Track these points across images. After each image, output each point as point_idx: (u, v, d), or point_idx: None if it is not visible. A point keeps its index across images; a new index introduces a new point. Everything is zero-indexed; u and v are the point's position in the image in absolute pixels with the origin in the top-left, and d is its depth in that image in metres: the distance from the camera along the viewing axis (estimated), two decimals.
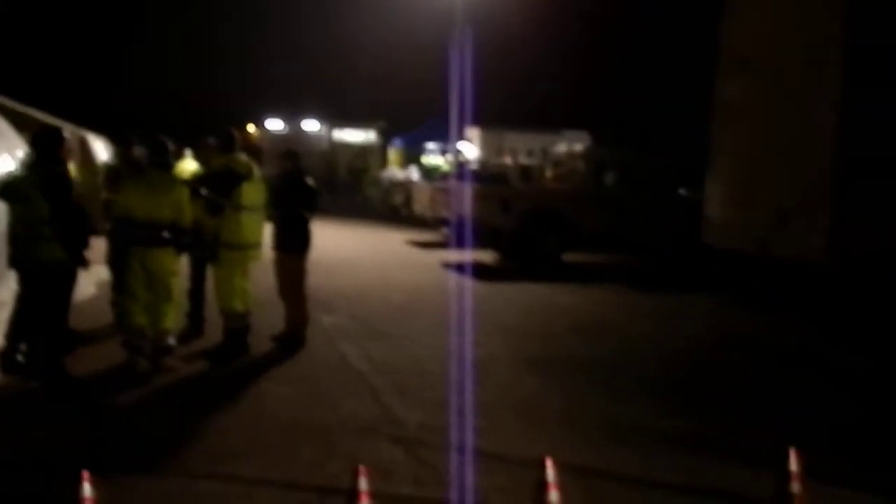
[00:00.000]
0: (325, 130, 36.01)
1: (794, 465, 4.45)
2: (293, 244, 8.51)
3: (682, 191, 15.54)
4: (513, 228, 14.85)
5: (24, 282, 7.06)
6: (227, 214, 7.89)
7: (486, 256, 16.21)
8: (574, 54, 39.57)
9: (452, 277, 13.64)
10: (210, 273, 8.38)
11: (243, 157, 8.26)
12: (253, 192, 8.09)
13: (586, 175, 15.81)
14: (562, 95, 39.98)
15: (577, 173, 16.17)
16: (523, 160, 25.82)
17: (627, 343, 9.46)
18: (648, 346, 9.34)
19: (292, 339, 8.52)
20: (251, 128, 34.98)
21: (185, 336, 8.47)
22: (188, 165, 9.60)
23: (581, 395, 7.21)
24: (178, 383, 7.15)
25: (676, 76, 32.49)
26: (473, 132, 31.15)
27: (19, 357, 7.14)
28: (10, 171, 7.30)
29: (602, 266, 16.32)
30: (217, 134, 8.46)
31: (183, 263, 7.95)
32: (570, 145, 18.98)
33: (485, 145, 31.46)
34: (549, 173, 18.80)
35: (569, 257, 15.36)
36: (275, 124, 34.87)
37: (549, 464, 4.10)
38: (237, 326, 8.09)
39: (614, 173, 15.73)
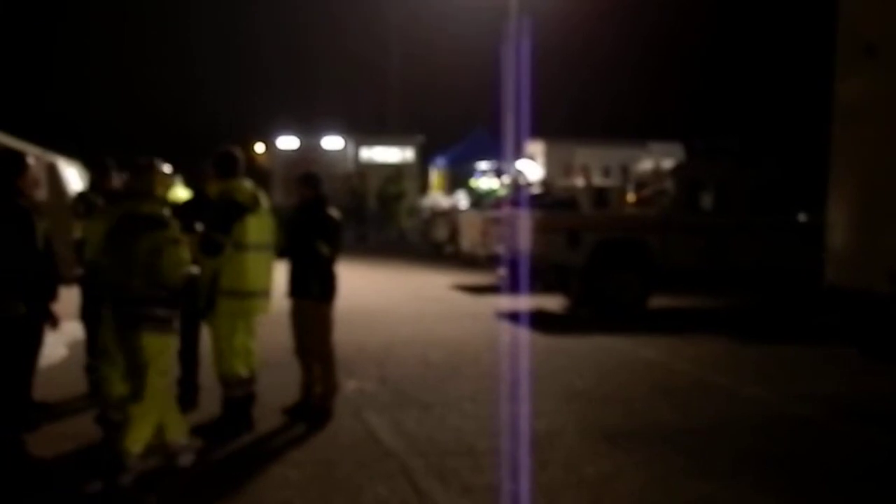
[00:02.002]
0: (350, 148, 36.33)
1: None
2: (315, 290, 8.57)
3: (799, 215, 15.45)
4: (583, 267, 14.84)
5: None
6: (226, 255, 7.96)
7: (551, 302, 16.19)
8: (660, 48, 39.51)
9: (507, 329, 13.65)
10: (206, 329, 8.48)
11: (247, 183, 8.34)
12: (259, 227, 8.15)
13: (677, 198, 15.79)
14: (646, 99, 39.93)
15: (665, 196, 16.14)
16: (598, 180, 25.85)
17: (729, 409, 9.38)
18: (754, 413, 9.25)
19: (312, 410, 8.57)
20: (258, 147, 35.37)
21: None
22: (179, 194, 9.75)
23: (667, 476, 7.16)
24: (163, 467, 7.21)
25: (787, 72, 32.35)
26: (536, 147, 31.28)
27: None
28: None
29: (696, 312, 16.21)
30: (214, 155, 8.56)
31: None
32: (657, 161, 18.98)
33: (550, 163, 31.54)
34: (630, 196, 18.78)
35: (654, 301, 15.29)
36: (287, 142, 35.18)
37: None
38: (239, 395, 8.15)
39: (712, 195, 15.69)
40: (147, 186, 6.97)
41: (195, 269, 7.36)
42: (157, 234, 6.72)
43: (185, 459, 7.13)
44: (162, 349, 6.78)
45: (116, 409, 7.44)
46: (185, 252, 6.92)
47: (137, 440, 6.62)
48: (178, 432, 7.05)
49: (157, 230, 6.74)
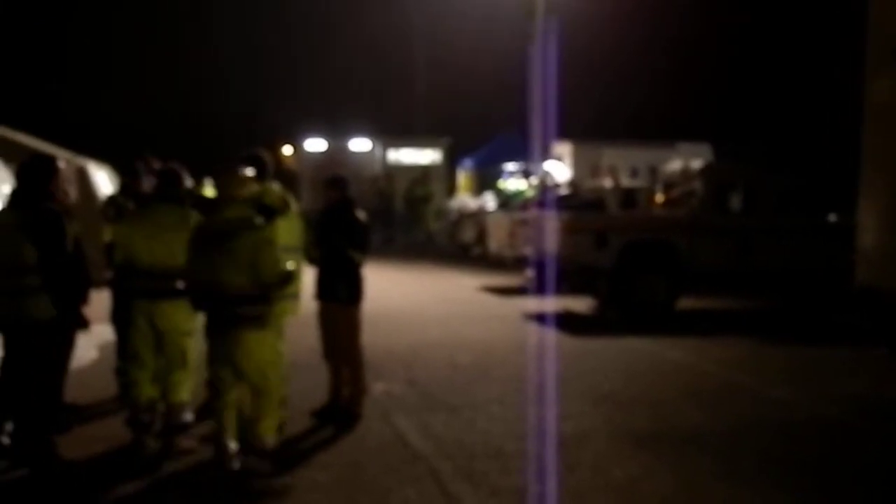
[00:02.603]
0: (377, 150, 36.36)
1: None
2: (342, 292, 8.61)
3: (829, 216, 15.37)
4: (611, 268, 14.81)
5: (9, 346, 7.29)
6: None
7: (578, 304, 16.17)
8: (689, 48, 39.35)
9: (535, 331, 13.65)
10: None
11: (276, 186, 8.38)
12: (288, 230, 8.15)
13: (706, 198, 15.72)
14: (674, 100, 39.77)
15: (694, 197, 16.09)
16: (625, 181, 25.79)
17: (756, 411, 9.35)
18: (783, 416, 9.22)
19: (340, 412, 8.60)
20: (286, 149, 35.42)
21: (204, 410, 8.62)
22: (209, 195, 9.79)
23: (695, 479, 7.15)
24: (194, 469, 7.27)
25: (817, 73, 32.17)
26: (563, 148, 31.23)
27: (3, 438, 7.34)
28: None
29: (725, 314, 16.16)
30: (243, 158, 8.60)
31: (199, 320, 8.09)
32: (685, 161, 18.93)
33: (577, 164, 31.46)
34: (658, 197, 18.72)
35: (683, 303, 15.26)
36: (315, 144, 35.22)
37: None
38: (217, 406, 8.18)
39: (742, 196, 15.63)
40: (233, 190, 7.11)
41: (291, 265, 7.47)
42: (255, 235, 6.92)
43: (187, 416, 7.74)
44: (262, 343, 6.96)
45: (146, 411, 7.53)
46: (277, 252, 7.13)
47: (271, 427, 7.02)
48: (186, 393, 7.69)
49: (254, 231, 6.93)
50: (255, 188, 7.37)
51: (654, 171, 24.93)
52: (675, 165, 19.03)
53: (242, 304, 6.86)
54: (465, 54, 42.21)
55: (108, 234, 8.96)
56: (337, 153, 34.56)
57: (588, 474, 7.20)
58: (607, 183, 25.38)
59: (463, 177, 37.50)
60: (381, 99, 47.73)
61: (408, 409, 9.04)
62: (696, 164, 17.78)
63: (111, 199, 9.81)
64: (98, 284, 7.88)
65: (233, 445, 6.96)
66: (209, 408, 7.44)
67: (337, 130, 35.96)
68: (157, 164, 9.13)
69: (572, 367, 10.98)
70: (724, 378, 10.89)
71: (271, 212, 8.01)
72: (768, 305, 16.53)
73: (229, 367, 6.97)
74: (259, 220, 7.09)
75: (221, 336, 6.95)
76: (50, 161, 7.56)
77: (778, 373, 11.12)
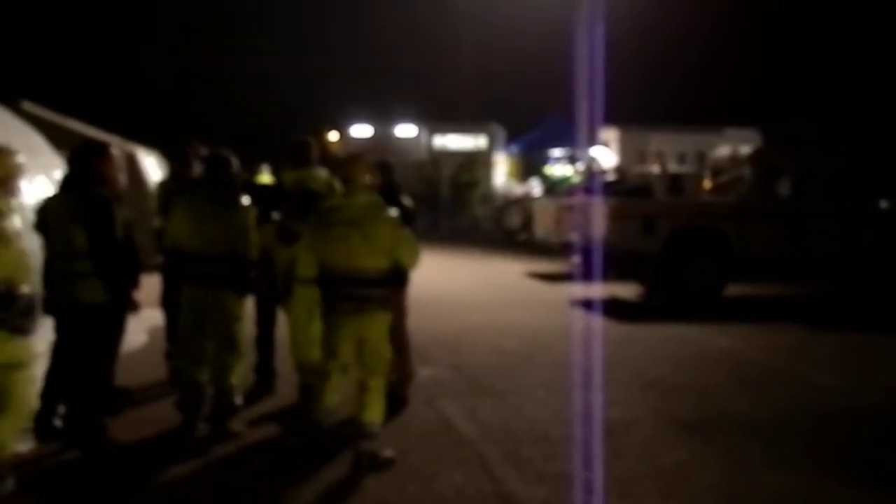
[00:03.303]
0: (423, 136, 36.39)
1: None
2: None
3: (881, 202, 15.21)
4: (658, 254, 14.76)
5: (61, 329, 7.40)
6: (302, 243, 8.06)
7: (625, 290, 16.13)
8: (736, 30, 38.99)
9: (581, 317, 13.64)
10: (282, 316, 8.59)
11: (322, 171, 8.42)
12: None
13: (754, 184, 15.61)
14: (723, 84, 39.45)
15: (743, 182, 15.99)
16: (673, 167, 25.67)
17: (805, 399, 9.28)
18: (832, 403, 9.14)
19: (387, 397, 8.62)
20: (331, 135, 35.54)
21: (253, 394, 8.71)
22: (265, 182, 9.86)
23: (744, 466, 7.12)
24: (243, 452, 7.34)
25: (868, 55, 31.75)
26: (610, 134, 31.13)
27: (56, 421, 7.46)
28: (45, 197, 7.67)
29: (774, 300, 16.05)
30: (288, 144, 8.66)
31: (248, 305, 8.17)
32: (734, 147, 18.80)
33: (624, 150, 31.36)
34: (706, 183, 18.64)
35: (731, 290, 15.17)
36: (361, 130, 35.32)
37: None
38: (315, 382, 8.25)
39: (791, 181, 15.50)
40: (359, 177, 7.17)
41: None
42: (391, 220, 7.07)
43: (236, 400, 7.82)
44: (385, 324, 7.19)
45: (195, 394, 7.61)
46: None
47: (380, 411, 7.15)
48: (235, 376, 7.72)
49: (388, 216, 7.07)
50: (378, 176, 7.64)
51: (701, 157, 24.85)
52: (723, 151, 18.93)
53: (374, 287, 7.01)
54: (511, 39, 42.12)
55: (157, 221, 9.07)
56: (383, 139, 34.63)
57: (635, 461, 7.18)
58: (654, 169, 25.30)
59: (509, 162, 37.45)
60: (426, 84, 47.78)
61: (454, 394, 9.06)
62: (745, 149, 17.66)
63: (162, 184, 9.92)
64: (149, 269, 7.97)
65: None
66: (307, 387, 7.68)
67: (383, 116, 36.03)
68: (203, 151, 9.22)
69: (618, 353, 10.96)
70: (772, 365, 10.82)
71: (316, 196, 8.08)
72: (818, 292, 16.39)
73: (353, 348, 7.12)
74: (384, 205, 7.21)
75: (350, 317, 7.05)
76: (101, 147, 7.65)
77: (827, 360, 11.03)
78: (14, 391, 5.99)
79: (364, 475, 6.76)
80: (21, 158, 6.36)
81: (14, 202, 6.19)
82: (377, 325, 7.10)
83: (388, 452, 7.07)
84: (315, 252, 7.15)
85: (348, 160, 7.41)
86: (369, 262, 6.96)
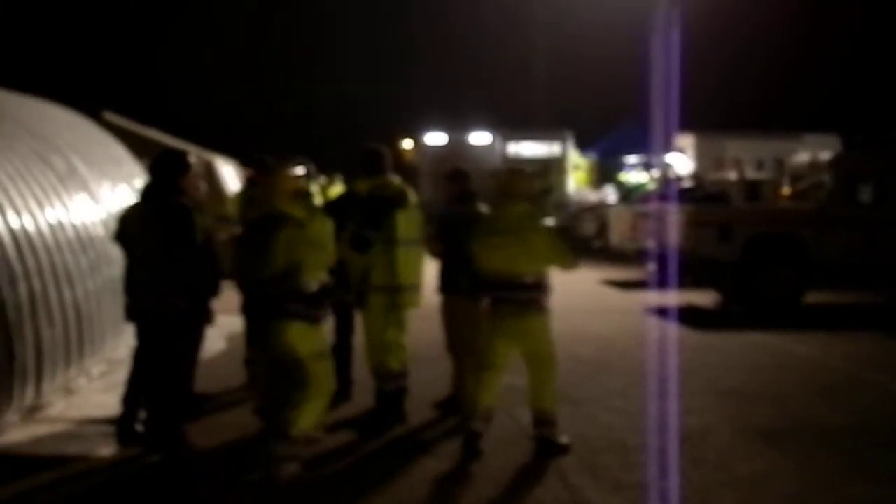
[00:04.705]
0: (497, 143, 36.34)
1: None
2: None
3: None
4: (736, 261, 14.62)
5: (142, 336, 7.54)
6: (377, 250, 8.11)
7: (702, 298, 15.98)
8: (815, 33, 38.43)
9: (657, 325, 13.55)
10: (358, 323, 8.65)
11: (396, 179, 8.47)
12: (409, 223, 8.25)
13: (835, 190, 15.39)
14: (802, 89, 38.92)
15: (822, 189, 15.78)
16: (751, 174, 25.39)
17: (885, 408, 9.16)
18: None
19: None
20: (405, 143, 35.65)
21: (330, 400, 8.77)
22: (336, 192, 9.95)
23: (822, 476, 7.04)
24: (320, 457, 7.39)
25: None
26: (686, 140, 30.88)
27: (138, 426, 7.60)
28: (126, 206, 7.82)
29: (853, 308, 15.80)
30: (362, 152, 8.73)
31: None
32: (813, 153, 18.56)
33: (701, 156, 31.08)
34: (785, 190, 18.42)
35: (810, 297, 14.96)
36: (435, 138, 35.36)
37: None
38: (391, 389, 8.29)
39: (871, 187, 15.26)
40: (517, 188, 7.69)
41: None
42: (547, 229, 7.57)
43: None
44: (547, 326, 7.71)
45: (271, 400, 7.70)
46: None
47: (554, 399, 7.66)
48: None
49: (542, 225, 7.57)
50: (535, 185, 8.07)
51: (780, 164, 24.51)
52: (802, 157, 18.69)
53: (533, 292, 7.43)
54: (585, 44, 42.02)
55: (238, 228, 9.19)
56: (457, 146, 34.60)
57: (712, 470, 7.13)
58: (732, 175, 25.05)
59: (583, 169, 37.27)
60: (500, 91, 47.78)
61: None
62: (825, 155, 17.42)
63: (241, 192, 10.05)
64: (229, 277, 8.07)
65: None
66: (384, 393, 8.04)
67: (457, 124, 36.05)
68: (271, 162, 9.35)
69: (695, 360, 10.88)
70: (852, 374, 10.66)
71: (391, 204, 8.14)
72: None
73: (510, 349, 7.60)
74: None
75: (510, 320, 7.47)
76: (180, 156, 7.78)
77: None
78: (322, 377, 6.92)
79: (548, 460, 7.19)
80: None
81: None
82: (537, 326, 7.54)
83: (564, 439, 7.52)
84: (477, 260, 7.61)
85: (508, 174, 7.92)
86: (528, 268, 7.38)
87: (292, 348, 6.79)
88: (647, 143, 27.93)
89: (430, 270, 8.64)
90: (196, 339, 7.64)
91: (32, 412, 8.09)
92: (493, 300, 7.55)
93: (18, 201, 8.41)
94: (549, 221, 7.59)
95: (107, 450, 7.39)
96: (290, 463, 6.75)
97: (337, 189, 10.14)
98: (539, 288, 7.48)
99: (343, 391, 9.06)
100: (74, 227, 9.38)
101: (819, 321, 14.13)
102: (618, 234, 18.73)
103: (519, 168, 8.03)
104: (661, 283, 14.89)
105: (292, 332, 6.78)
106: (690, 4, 23.98)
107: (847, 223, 14.78)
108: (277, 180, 7.32)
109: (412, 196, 8.40)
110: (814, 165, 16.95)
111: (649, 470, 6.96)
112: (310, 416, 6.88)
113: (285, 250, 6.75)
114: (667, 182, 23.55)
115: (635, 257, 17.43)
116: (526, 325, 7.49)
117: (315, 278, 6.87)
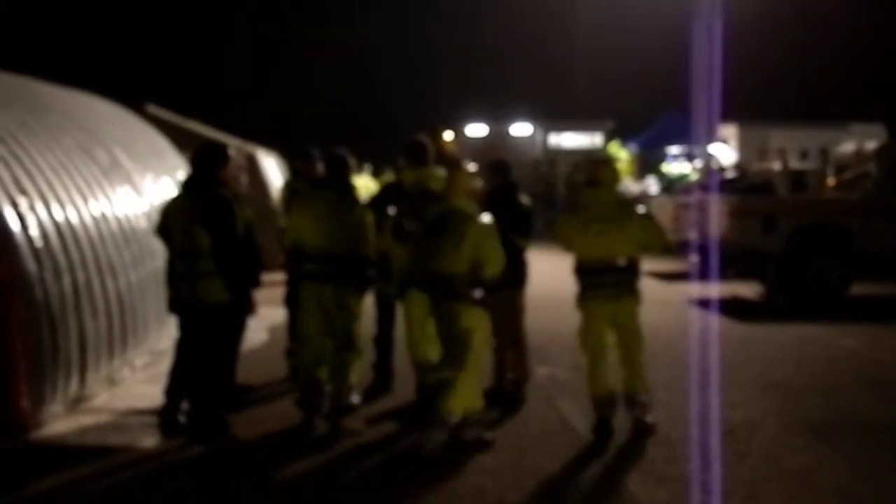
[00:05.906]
0: (538, 134, 36.24)
1: None
2: (507, 277, 8.59)
3: None
4: (780, 252, 14.46)
5: (184, 327, 7.57)
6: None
7: (746, 290, 15.84)
8: (860, 22, 37.96)
9: (700, 317, 13.42)
10: (400, 315, 8.63)
11: (439, 171, 8.44)
12: None
13: (881, 181, 15.18)
14: (847, 78, 38.47)
15: (868, 179, 15.57)
16: (795, 164, 25.13)
17: None
18: None
19: (505, 396, 8.63)
20: (447, 135, 35.62)
21: (371, 392, 8.77)
22: (363, 183, 9.93)
23: (871, 470, 6.95)
24: (361, 450, 7.39)
25: None
26: (729, 130, 30.64)
27: (180, 417, 7.63)
28: (168, 199, 7.85)
29: None
30: (405, 144, 8.73)
31: (367, 304, 8.23)
32: (859, 143, 18.33)
33: (744, 146, 30.83)
34: (830, 180, 18.23)
35: (856, 288, 14.78)
36: (476, 129, 35.32)
37: None
38: (432, 381, 8.27)
39: None
40: (607, 177, 7.96)
41: None
42: (641, 215, 7.93)
43: (354, 398, 7.92)
44: (637, 306, 7.99)
45: (315, 392, 7.69)
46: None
47: (644, 383, 7.89)
48: (354, 375, 7.82)
49: (635, 212, 7.96)
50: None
51: (825, 154, 24.25)
52: (848, 147, 18.47)
53: (629, 275, 7.80)
54: (627, 34, 41.71)
55: (282, 220, 9.21)
56: (498, 138, 34.61)
57: (758, 463, 7.04)
58: (776, 165, 24.80)
59: (625, 160, 37.13)
60: (541, 82, 47.56)
61: (572, 394, 8.97)
62: (871, 145, 17.21)
63: (287, 184, 10.06)
64: (272, 268, 8.08)
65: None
66: (425, 385, 7.82)
67: (498, 115, 36.00)
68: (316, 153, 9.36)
69: (739, 353, 10.78)
70: None
71: (433, 196, 8.10)
72: None
73: (608, 331, 7.84)
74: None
75: (608, 304, 7.77)
76: (221, 148, 7.81)
77: None
78: (478, 352, 7.25)
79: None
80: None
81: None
82: (632, 309, 7.83)
83: (650, 419, 7.72)
84: (575, 248, 7.92)
85: (595, 164, 8.42)
86: (625, 252, 7.70)
87: (468, 330, 7.17)
88: (689, 134, 27.71)
89: None
90: (238, 330, 7.66)
91: (77, 403, 8.14)
92: (589, 286, 7.79)
93: (62, 194, 8.47)
94: (641, 209, 8.08)
95: (150, 440, 7.43)
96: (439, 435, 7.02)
97: (385, 180, 10.13)
98: (633, 271, 7.79)
99: (384, 383, 9.05)
100: (118, 219, 9.44)
101: (865, 313, 13.96)
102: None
103: (605, 159, 8.26)
104: (704, 274, 14.76)
105: (471, 316, 7.21)
106: None
107: (893, 213, 14.58)
108: (456, 178, 7.49)
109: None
110: (859, 155, 16.74)
111: (694, 462, 6.89)
112: (462, 399, 7.16)
113: (471, 247, 7.17)
114: (709, 173, 23.37)
115: (679, 249, 17.29)
116: (623, 307, 7.77)
117: (495, 271, 7.33)
